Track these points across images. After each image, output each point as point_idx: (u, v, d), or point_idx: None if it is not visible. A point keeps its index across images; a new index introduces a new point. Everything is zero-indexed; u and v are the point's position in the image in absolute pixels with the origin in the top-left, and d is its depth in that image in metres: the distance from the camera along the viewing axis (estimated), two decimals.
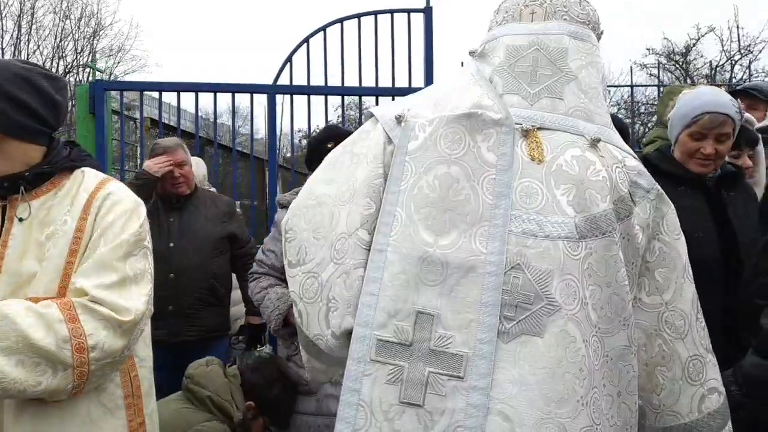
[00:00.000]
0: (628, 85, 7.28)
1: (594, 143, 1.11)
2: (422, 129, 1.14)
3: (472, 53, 1.26)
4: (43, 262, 1.30)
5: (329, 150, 2.43)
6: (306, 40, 4.20)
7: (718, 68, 12.84)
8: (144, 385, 1.43)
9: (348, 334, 1.09)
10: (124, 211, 1.37)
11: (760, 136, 2.43)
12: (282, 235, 1.25)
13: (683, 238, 1.20)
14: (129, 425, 1.37)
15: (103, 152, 3.57)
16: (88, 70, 18.26)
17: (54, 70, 17.54)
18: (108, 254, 1.31)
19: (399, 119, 1.16)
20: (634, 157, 1.19)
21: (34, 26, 18.35)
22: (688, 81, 12.57)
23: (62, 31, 18.41)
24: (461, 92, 1.17)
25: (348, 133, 2.65)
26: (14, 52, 17.83)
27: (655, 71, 13.65)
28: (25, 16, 17.96)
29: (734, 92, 3.28)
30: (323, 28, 4.22)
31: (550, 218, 1.06)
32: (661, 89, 5.21)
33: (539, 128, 1.12)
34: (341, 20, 4.21)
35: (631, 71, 8.14)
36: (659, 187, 1.16)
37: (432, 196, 1.09)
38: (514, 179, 1.08)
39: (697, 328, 1.20)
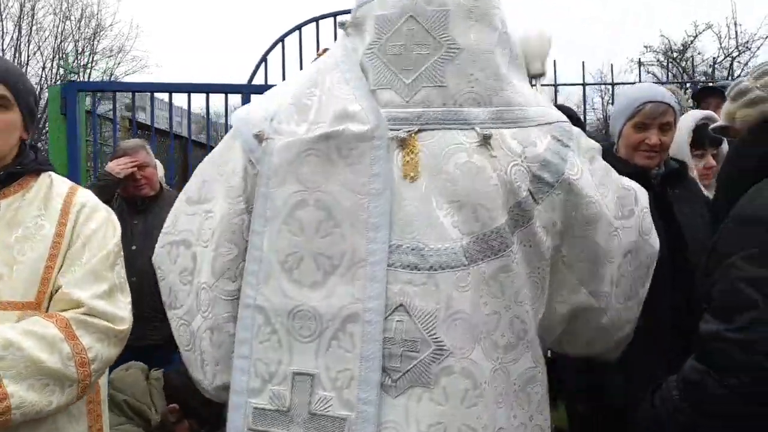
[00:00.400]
0: (626, 83, 7.21)
1: (485, 141, 0.95)
2: (281, 153, 0.98)
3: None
4: (16, 266, 1.29)
5: None
6: (281, 40, 4.20)
7: (716, 65, 12.76)
8: (102, 392, 1.46)
9: (223, 387, 1.01)
10: (104, 220, 1.38)
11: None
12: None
13: (602, 225, 1.07)
14: (89, 431, 1.39)
15: (76, 154, 3.57)
16: (89, 70, 18.32)
17: (54, 71, 17.63)
18: (98, 264, 1.32)
19: (259, 138, 1.01)
20: (556, 138, 1.02)
21: (34, 27, 18.42)
22: (686, 78, 12.49)
23: (62, 32, 18.47)
24: (328, 94, 1.00)
25: None
26: (15, 54, 17.89)
27: (653, 69, 13.56)
28: (25, 18, 18.03)
29: (707, 89, 3.26)
30: (298, 27, 4.22)
31: (432, 246, 0.93)
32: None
33: (420, 130, 0.96)
34: (316, 19, 4.21)
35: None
36: (571, 174, 1.01)
37: (297, 239, 0.96)
38: (394, 203, 0.94)
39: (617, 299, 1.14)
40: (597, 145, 1.10)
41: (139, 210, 3.04)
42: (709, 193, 2.28)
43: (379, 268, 0.91)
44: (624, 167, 1.99)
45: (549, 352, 2.12)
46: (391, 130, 0.95)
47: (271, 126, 1.01)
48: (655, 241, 1.15)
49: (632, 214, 1.08)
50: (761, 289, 1.12)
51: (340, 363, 0.92)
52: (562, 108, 2.67)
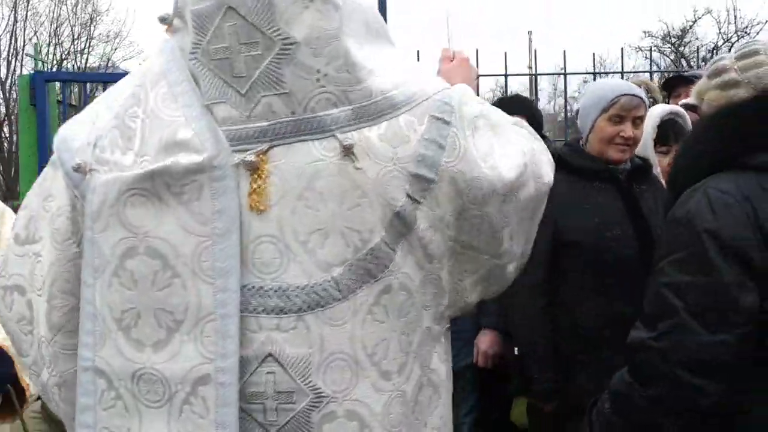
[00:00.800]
0: (618, 72, 7.09)
1: (347, 152, 0.81)
2: (101, 193, 0.82)
3: (164, 21, 0.89)
4: None
5: None
6: None
7: (715, 51, 12.62)
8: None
9: None
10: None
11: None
12: None
13: (496, 199, 0.92)
14: None
15: (44, 144, 3.51)
16: (86, 56, 18.23)
17: (51, 56, 17.51)
18: None
19: (80, 170, 0.84)
20: (435, 117, 0.87)
21: (30, 12, 18.30)
22: (684, 64, 12.36)
23: (58, 17, 18.35)
24: (152, 116, 0.83)
25: None
26: (11, 39, 17.80)
27: (653, 56, 13.43)
28: (21, 3, 17.90)
29: (678, 78, 3.14)
30: None
31: (298, 284, 0.80)
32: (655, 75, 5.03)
33: (270, 148, 0.80)
34: None
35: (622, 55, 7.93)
36: (452, 160, 0.87)
37: (131, 293, 0.82)
38: (246, 241, 0.80)
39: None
40: (480, 109, 0.95)
41: None
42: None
43: (231, 321, 0.79)
44: (591, 163, 2.00)
45: (516, 349, 2.09)
46: (236, 151, 0.80)
47: (93, 154, 0.84)
48: (548, 176, 1.03)
49: (525, 169, 0.95)
50: (682, 295, 1.09)
51: (194, 430, 0.80)
52: (514, 98, 2.60)
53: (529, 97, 4.88)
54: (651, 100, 3.24)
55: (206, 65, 0.81)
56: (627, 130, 1.94)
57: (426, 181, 0.85)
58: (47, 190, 0.90)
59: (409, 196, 0.84)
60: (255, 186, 0.80)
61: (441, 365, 0.97)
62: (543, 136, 2.68)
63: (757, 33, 12.41)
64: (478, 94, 1.16)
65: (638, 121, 1.97)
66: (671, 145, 2.26)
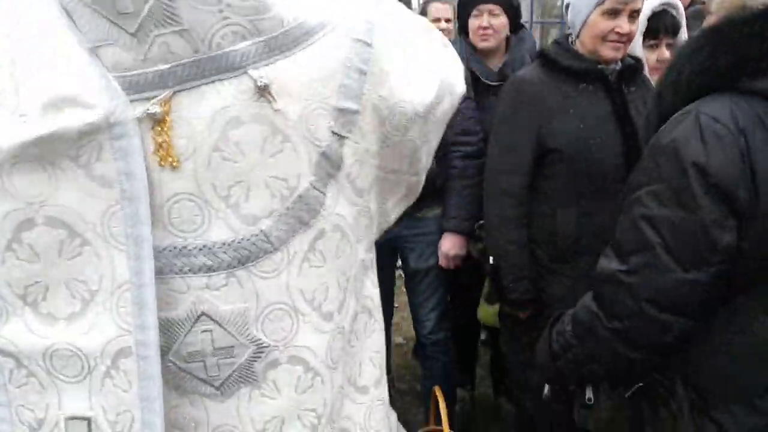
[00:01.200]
0: None
1: (262, 92, 0.71)
2: None
3: None
4: None
5: None
6: None
7: None
8: None
9: None
10: None
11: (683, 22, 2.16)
12: None
13: (417, 124, 0.87)
14: None
15: None
16: None
17: None
18: None
19: None
20: (356, 40, 0.78)
21: None
22: None
23: None
24: (27, 66, 0.68)
25: None
26: None
27: None
28: None
29: None
30: None
31: (225, 240, 0.74)
32: None
33: (173, 94, 0.69)
34: None
35: None
36: (375, 88, 0.80)
37: (34, 266, 0.73)
38: (160, 200, 0.72)
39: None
40: (394, 20, 0.85)
41: None
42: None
43: (149, 291, 0.72)
44: (580, 63, 1.86)
45: (491, 258, 2.04)
46: (134, 101, 0.69)
47: None
48: (461, 86, 0.95)
49: (441, 84, 0.88)
50: (660, 230, 1.04)
51: (118, 404, 0.75)
52: None
53: None
54: None
55: (81, 1, 0.66)
56: (623, 25, 1.79)
57: (350, 113, 0.78)
58: None
59: (333, 132, 0.77)
60: (160, 140, 0.70)
61: (374, 290, 0.94)
62: (521, 25, 2.51)
63: None
64: None
65: (635, 15, 1.82)
66: (661, 38, 2.10)
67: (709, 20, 1.24)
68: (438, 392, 2.12)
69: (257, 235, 0.74)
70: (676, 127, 1.07)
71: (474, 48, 2.43)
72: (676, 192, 1.03)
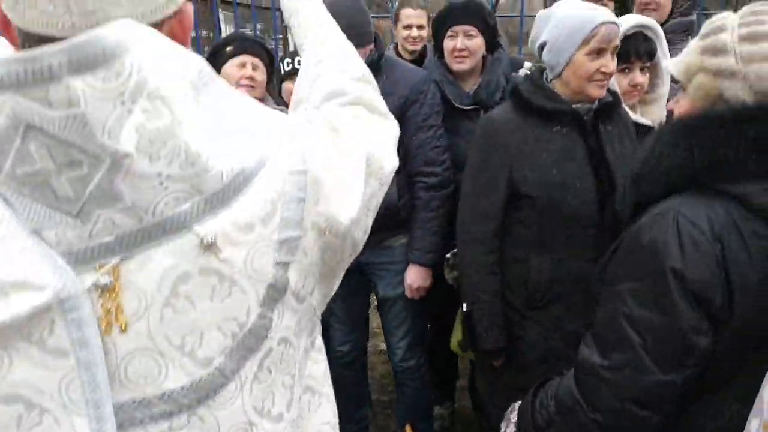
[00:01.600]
0: None
1: (208, 249, 0.72)
2: None
3: None
4: None
5: (227, 54, 2.15)
6: None
7: None
8: None
9: None
10: None
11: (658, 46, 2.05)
12: None
13: (353, 230, 0.88)
14: None
15: None
16: None
17: None
18: None
19: None
20: (291, 172, 0.78)
21: None
22: None
23: None
24: None
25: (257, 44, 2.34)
26: None
27: None
28: None
29: None
30: None
31: (181, 384, 0.75)
32: None
33: (120, 261, 0.69)
34: None
35: None
36: (314, 213, 0.81)
37: None
38: (115, 364, 0.73)
39: None
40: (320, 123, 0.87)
41: None
42: (633, 114, 2.05)
43: None
44: (554, 105, 1.78)
45: (463, 305, 2.00)
46: (81, 273, 0.68)
47: None
48: (391, 164, 0.95)
49: (370, 173, 0.89)
50: (640, 331, 1.08)
51: None
52: (467, 5, 2.29)
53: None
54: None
55: (17, 190, 0.65)
56: (609, 64, 1.73)
57: (292, 240, 0.79)
58: None
59: (278, 263, 0.78)
60: (111, 306, 0.70)
61: (315, 366, 0.95)
62: (497, 45, 2.41)
63: None
64: None
65: (615, 50, 1.76)
66: (633, 62, 2.01)
67: (682, 103, 1.18)
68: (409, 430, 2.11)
69: (212, 374, 0.75)
70: (653, 226, 1.09)
71: (449, 70, 2.33)
72: (656, 295, 1.06)
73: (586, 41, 1.72)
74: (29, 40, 0.65)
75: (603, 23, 1.71)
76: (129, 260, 0.69)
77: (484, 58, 2.36)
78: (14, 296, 0.65)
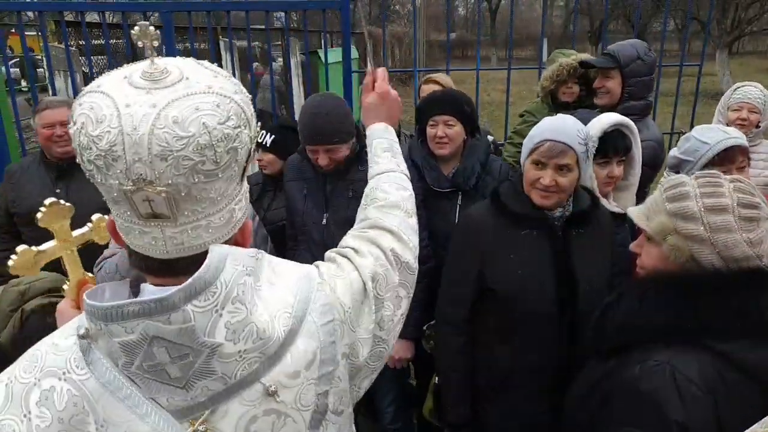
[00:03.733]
0: None
1: (270, 395, 0.94)
2: None
3: (83, 337, 0.88)
4: None
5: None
6: None
7: None
8: None
9: None
10: None
11: (632, 141, 2.28)
12: None
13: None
14: None
15: None
16: None
17: None
18: None
19: None
20: (323, 324, 1.02)
21: None
22: None
23: None
24: (108, 422, 0.88)
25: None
26: None
27: None
28: None
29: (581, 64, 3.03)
30: None
31: None
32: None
33: (211, 412, 0.92)
34: None
35: None
36: (344, 340, 1.05)
37: None
38: None
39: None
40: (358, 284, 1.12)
41: (60, 175, 2.84)
42: (606, 203, 2.22)
43: None
44: (527, 210, 1.94)
45: (435, 378, 2.16)
46: (183, 422, 0.91)
47: None
48: (413, 264, 1.27)
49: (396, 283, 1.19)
50: None
51: None
52: (446, 95, 2.48)
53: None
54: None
55: (141, 375, 0.87)
56: (546, 177, 1.87)
57: (329, 373, 1.01)
58: None
59: (319, 394, 1.00)
60: None
61: None
62: (477, 129, 2.60)
63: None
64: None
65: (563, 168, 1.87)
66: (611, 157, 2.21)
67: (653, 254, 1.36)
68: None
69: None
70: (652, 379, 1.18)
71: (431, 153, 2.52)
72: None
73: (531, 151, 1.91)
74: (135, 254, 0.90)
75: (547, 140, 1.86)
76: (215, 412, 0.91)
77: (464, 140, 2.54)
78: None
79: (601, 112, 2.44)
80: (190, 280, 0.84)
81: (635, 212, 1.44)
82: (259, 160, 2.85)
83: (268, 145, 2.80)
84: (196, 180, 0.81)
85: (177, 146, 0.78)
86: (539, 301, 1.90)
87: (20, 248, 1.31)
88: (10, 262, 1.29)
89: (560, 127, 1.89)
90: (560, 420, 1.57)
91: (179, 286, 0.83)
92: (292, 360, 0.96)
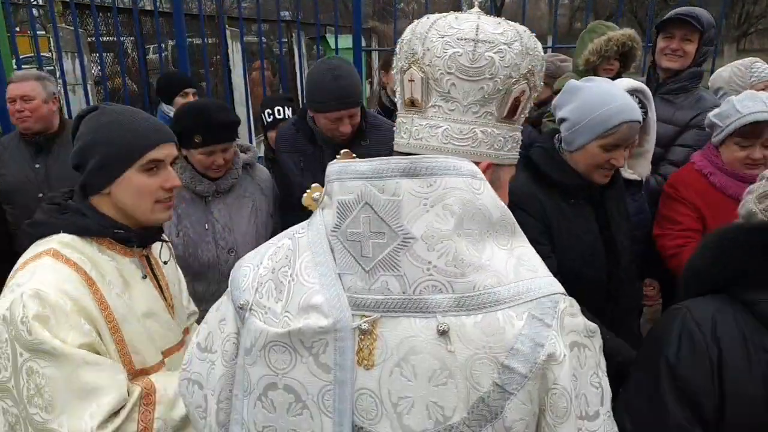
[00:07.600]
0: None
1: (441, 335, 0.89)
2: (253, 338, 1.02)
3: (314, 200, 1.04)
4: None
5: (195, 144, 2.18)
6: None
7: None
8: None
9: None
10: None
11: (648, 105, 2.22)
12: None
13: (569, 423, 0.94)
14: None
15: None
16: None
17: None
18: None
19: (242, 309, 1.06)
20: (535, 317, 0.90)
21: None
22: None
23: None
24: (296, 280, 1.00)
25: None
26: None
27: None
28: None
29: (673, 20, 2.80)
30: None
31: None
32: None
33: (380, 317, 0.94)
34: None
35: None
36: (549, 361, 0.89)
37: (271, 415, 1.02)
38: (355, 390, 0.96)
39: None
40: (583, 326, 0.96)
41: (39, 151, 2.76)
42: (624, 171, 2.21)
43: None
44: (572, 179, 1.87)
45: None
46: (354, 315, 0.96)
47: (255, 296, 1.05)
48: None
49: (597, 416, 0.97)
50: (632, 417, 1.14)
51: None
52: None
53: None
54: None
55: (342, 242, 0.97)
56: (619, 159, 1.80)
57: (519, 375, 0.89)
58: (223, 313, 1.12)
59: (497, 385, 0.89)
60: (363, 346, 0.95)
61: None
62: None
63: None
64: None
65: (632, 145, 1.85)
66: None
67: None
68: None
69: None
70: (665, 320, 1.17)
71: None
72: (650, 385, 1.11)
73: (603, 135, 1.77)
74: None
75: (625, 122, 1.76)
76: (386, 320, 0.93)
77: None
78: (312, 315, 0.96)
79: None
80: (417, 158, 0.91)
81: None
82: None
83: (273, 120, 2.75)
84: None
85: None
86: (593, 270, 1.86)
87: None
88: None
89: (631, 103, 1.81)
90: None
91: (407, 159, 0.91)
92: (484, 323, 0.89)
